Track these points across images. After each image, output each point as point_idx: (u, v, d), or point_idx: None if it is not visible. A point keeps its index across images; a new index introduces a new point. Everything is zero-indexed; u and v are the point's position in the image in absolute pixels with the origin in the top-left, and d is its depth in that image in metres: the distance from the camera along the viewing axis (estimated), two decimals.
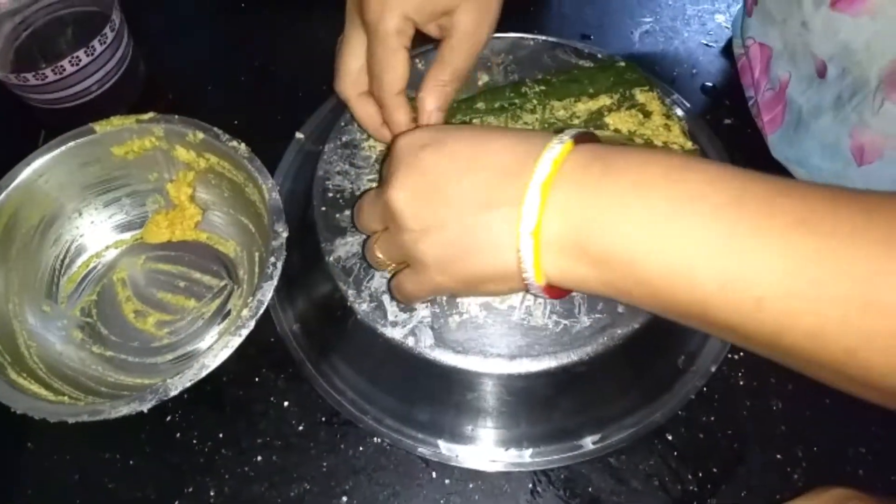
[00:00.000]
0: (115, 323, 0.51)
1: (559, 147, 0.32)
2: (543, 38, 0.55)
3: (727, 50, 0.62)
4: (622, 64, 0.52)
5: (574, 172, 0.31)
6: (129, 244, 0.54)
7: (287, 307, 0.51)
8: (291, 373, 0.50)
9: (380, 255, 0.40)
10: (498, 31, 0.45)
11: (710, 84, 0.60)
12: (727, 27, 0.63)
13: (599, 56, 0.53)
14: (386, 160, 0.39)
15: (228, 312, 0.52)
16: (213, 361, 0.42)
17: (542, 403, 0.45)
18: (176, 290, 0.52)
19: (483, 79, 0.53)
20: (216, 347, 0.42)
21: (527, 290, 0.35)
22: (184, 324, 0.51)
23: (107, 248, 0.54)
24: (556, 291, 0.35)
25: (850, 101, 0.44)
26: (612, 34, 0.64)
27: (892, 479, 0.45)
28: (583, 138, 0.34)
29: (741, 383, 0.48)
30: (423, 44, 0.47)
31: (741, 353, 0.48)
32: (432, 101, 0.42)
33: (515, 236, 0.32)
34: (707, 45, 0.63)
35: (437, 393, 0.46)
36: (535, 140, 0.33)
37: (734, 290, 0.28)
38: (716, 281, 0.28)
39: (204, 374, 0.41)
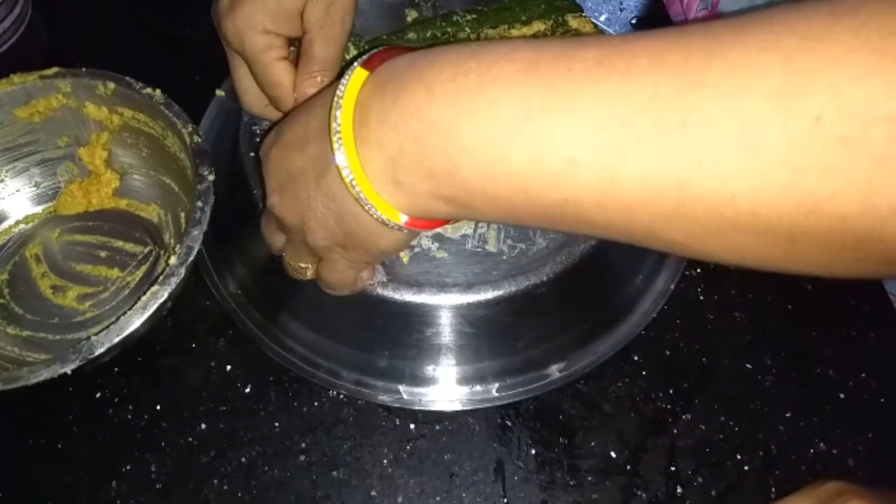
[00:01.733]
0: (31, 301, 0.46)
1: (346, 82, 0.31)
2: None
3: None
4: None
5: (372, 102, 0.30)
6: (42, 218, 0.50)
7: (223, 268, 0.48)
8: (232, 335, 0.46)
9: (293, 264, 0.39)
10: None
11: (639, 17, 0.60)
12: None
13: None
14: None
15: (156, 280, 0.47)
16: (142, 314, 0.38)
17: (503, 334, 0.43)
18: (97, 260, 0.48)
19: (412, 15, 0.51)
20: (144, 299, 0.38)
21: (410, 234, 0.33)
22: (108, 295, 0.47)
23: (17, 223, 0.49)
24: (426, 223, 0.33)
25: None
26: None
27: (861, 375, 0.44)
28: (383, 56, 0.32)
29: (702, 298, 0.47)
30: None
31: (698, 269, 0.48)
32: (311, 91, 0.40)
33: (349, 189, 0.30)
34: None
35: (394, 334, 0.43)
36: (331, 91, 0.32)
37: (547, 159, 0.26)
38: (526, 156, 0.26)
39: (133, 326, 0.38)
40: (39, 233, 0.49)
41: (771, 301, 0.46)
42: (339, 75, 0.33)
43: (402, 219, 0.31)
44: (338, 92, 0.31)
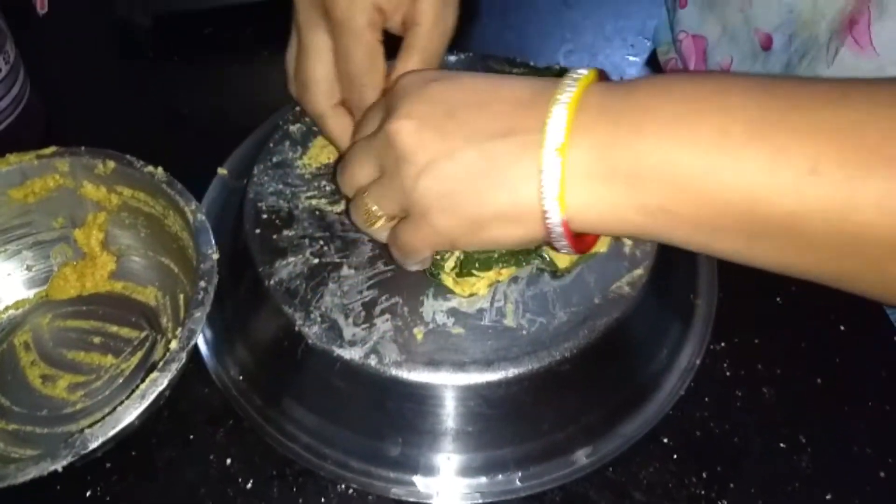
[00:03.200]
0: (18, 391, 0.44)
1: (584, 72, 0.31)
2: (473, 53, 0.53)
3: (651, 62, 0.62)
4: (559, 67, 0.51)
5: (597, 96, 0.31)
6: (34, 303, 0.47)
7: (223, 353, 0.45)
8: (232, 425, 0.43)
9: (373, 207, 0.36)
10: None
11: None
12: (647, 40, 0.64)
13: (532, 64, 0.52)
14: (379, 104, 0.37)
15: (153, 366, 0.45)
16: (140, 404, 0.35)
17: (526, 415, 0.40)
18: (90, 347, 0.45)
19: None
20: (143, 388, 0.36)
21: (544, 236, 0.32)
22: (100, 384, 0.44)
23: (6, 309, 0.47)
24: (575, 237, 0.32)
25: (800, 63, 0.44)
26: (537, 55, 0.63)
27: None
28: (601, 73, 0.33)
29: (728, 374, 0.45)
30: None
31: (723, 343, 0.46)
32: None
33: (538, 159, 0.30)
34: (631, 57, 0.63)
35: (408, 418, 0.40)
36: (548, 80, 0.33)
37: (785, 167, 0.26)
38: (763, 160, 0.27)
39: (131, 417, 0.35)
40: (30, 319, 0.47)
41: (799, 375, 0.44)
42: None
43: (565, 214, 0.30)
44: (573, 72, 0.31)
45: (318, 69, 0.40)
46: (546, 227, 0.31)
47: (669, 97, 0.29)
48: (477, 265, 0.39)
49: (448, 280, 0.40)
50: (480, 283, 0.40)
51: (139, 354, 0.45)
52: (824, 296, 0.47)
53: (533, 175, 0.30)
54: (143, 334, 0.46)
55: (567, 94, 0.30)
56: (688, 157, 0.28)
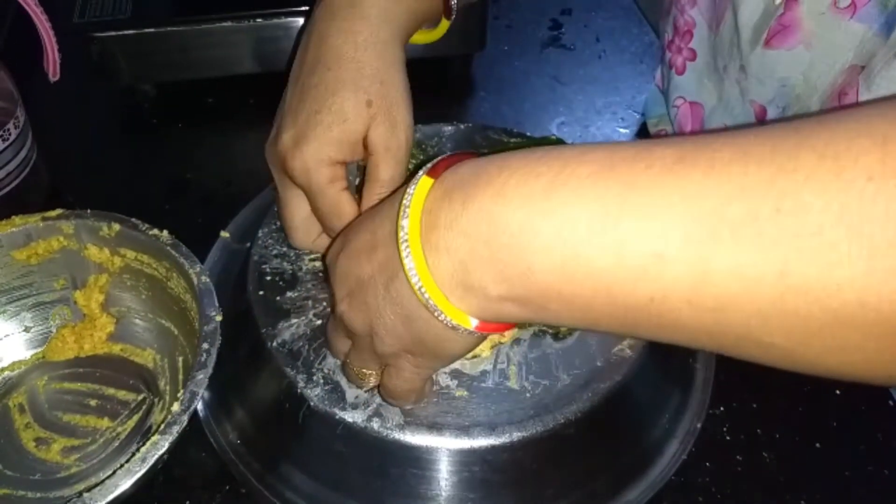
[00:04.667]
0: (12, 455, 0.43)
1: (412, 191, 0.31)
2: (472, 124, 0.55)
3: (640, 133, 0.64)
4: (554, 137, 0.52)
5: (440, 209, 0.30)
6: (30, 364, 0.47)
7: (221, 417, 0.45)
8: (228, 490, 0.42)
9: (357, 369, 0.38)
10: None
11: None
12: (636, 113, 0.66)
13: (529, 135, 0.54)
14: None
15: (149, 429, 0.44)
16: (139, 467, 0.35)
17: (530, 480, 0.40)
18: (86, 409, 0.45)
19: (418, 157, 0.52)
20: (143, 451, 0.35)
21: (478, 337, 0.33)
22: (95, 447, 0.43)
23: (2, 370, 0.46)
24: (497, 326, 0.32)
25: None
26: (532, 127, 0.65)
27: None
28: (448, 162, 0.32)
29: (728, 438, 0.45)
30: None
31: (722, 408, 0.46)
32: None
33: (417, 297, 0.31)
34: (621, 129, 0.65)
35: (411, 484, 0.40)
36: (392, 205, 0.33)
37: (631, 255, 0.25)
38: (609, 254, 0.26)
39: (129, 483, 0.34)
40: (26, 380, 0.46)
41: (799, 440, 0.45)
42: (405, 182, 0.33)
43: (473, 323, 0.31)
44: (404, 200, 0.31)
45: (296, 217, 0.44)
46: (472, 334, 0.32)
47: (510, 202, 0.28)
48: None
49: None
50: (483, 345, 0.41)
51: (136, 418, 0.45)
52: None
53: (424, 307, 0.31)
54: (141, 397, 0.46)
55: (405, 227, 0.30)
56: (540, 263, 0.27)
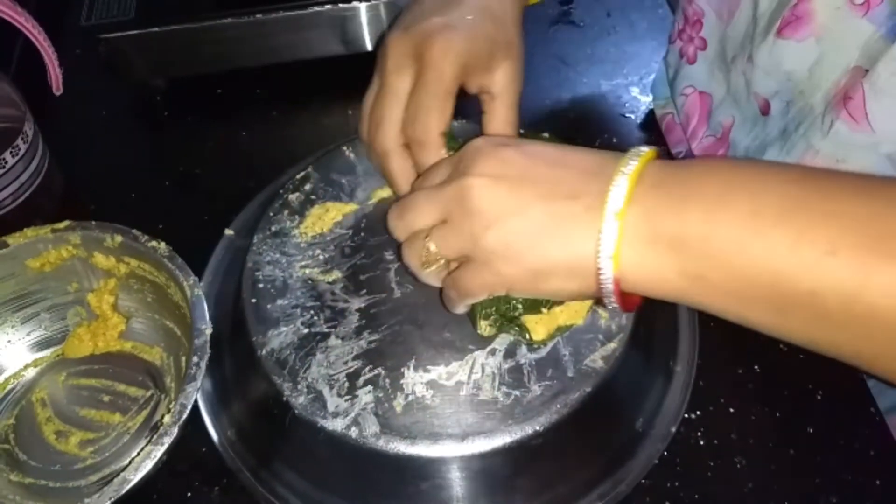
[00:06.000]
0: (35, 447, 0.47)
1: (645, 150, 0.35)
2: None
3: (645, 124, 0.63)
4: (546, 135, 0.52)
5: (655, 171, 0.34)
6: (50, 361, 0.51)
7: (221, 413, 0.48)
8: (227, 484, 0.46)
9: (433, 249, 0.38)
10: None
11: None
12: (643, 98, 0.65)
13: (522, 132, 0.54)
14: (446, 162, 0.41)
15: (157, 424, 0.48)
16: (134, 475, 0.38)
17: (502, 486, 0.42)
18: (100, 404, 0.49)
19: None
20: (137, 460, 0.39)
21: (595, 291, 0.35)
22: (108, 441, 0.47)
23: (25, 367, 0.51)
24: (624, 296, 0.35)
25: (796, 131, 0.45)
26: (532, 111, 0.65)
27: None
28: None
29: (702, 443, 0.46)
30: None
31: (698, 412, 0.47)
32: None
33: (599, 221, 0.33)
34: (624, 115, 0.65)
35: (389, 487, 0.42)
36: (611, 153, 0.36)
37: (806, 246, 0.29)
38: (788, 239, 0.30)
39: (125, 490, 0.38)
40: (47, 376, 0.50)
41: (772, 446, 0.45)
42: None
43: (616, 271, 0.34)
44: (635, 149, 0.35)
45: (395, 110, 0.44)
46: (599, 283, 0.35)
47: (713, 178, 0.33)
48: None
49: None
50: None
51: (144, 413, 0.48)
52: (803, 365, 0.48)
53: (592, 235, 0.34)
54: (149, 393, 0.49)
55: (630, 167, 0.34)
56: (723, 233, 0.32)
